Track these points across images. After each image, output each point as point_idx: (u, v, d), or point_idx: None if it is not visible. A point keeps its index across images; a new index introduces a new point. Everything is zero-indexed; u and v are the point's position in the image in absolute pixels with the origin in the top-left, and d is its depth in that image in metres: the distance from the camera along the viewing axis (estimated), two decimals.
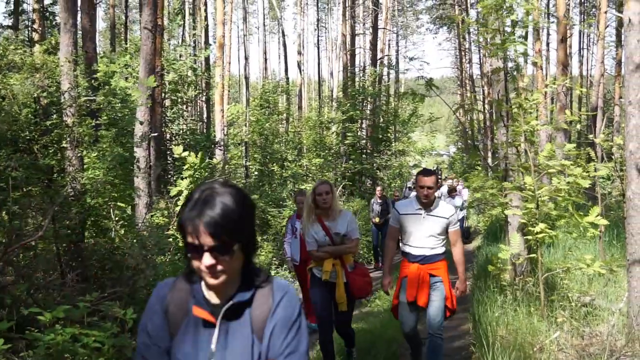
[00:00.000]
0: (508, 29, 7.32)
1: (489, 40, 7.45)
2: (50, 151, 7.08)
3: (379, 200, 14.14)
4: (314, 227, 5.63)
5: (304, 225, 5.76)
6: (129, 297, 6.16)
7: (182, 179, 9.59)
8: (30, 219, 6.49)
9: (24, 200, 6.32)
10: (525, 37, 7.45)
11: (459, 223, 5.56)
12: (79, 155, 7.34)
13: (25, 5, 16.00)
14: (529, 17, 7.78)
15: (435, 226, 5.37)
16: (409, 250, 5.49)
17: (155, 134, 9.92)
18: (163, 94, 15.34)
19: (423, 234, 5.38)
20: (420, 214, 5.40)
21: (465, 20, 8.32)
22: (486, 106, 30.83)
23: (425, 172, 5.44)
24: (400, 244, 5.68)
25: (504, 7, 7.09)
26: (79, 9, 10.11)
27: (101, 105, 7.90)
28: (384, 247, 5.93)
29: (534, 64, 15.92)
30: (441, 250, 5.46)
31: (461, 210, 17.71)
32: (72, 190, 6.99)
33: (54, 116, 7.54)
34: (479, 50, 35.01)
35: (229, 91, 26.48)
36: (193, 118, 22.89)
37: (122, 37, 30.02)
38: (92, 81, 8.47)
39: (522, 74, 7.63)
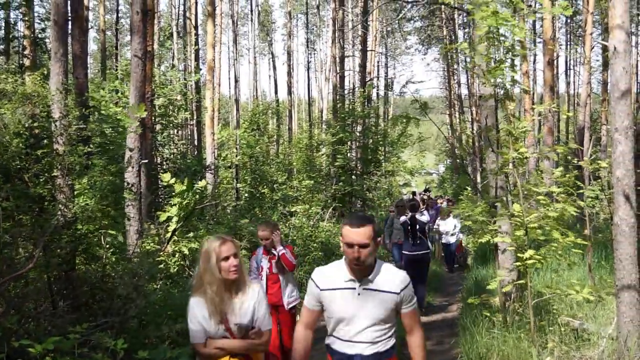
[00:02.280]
0: (497, 55, 7.42)
1: (482, 67, 7.48)
2: (41, 180, 7.08)
3: None
4: (203, 309, 3.69)
5: (193, 307, 3.73)
6: (120, 326, 6.16)
7: (171, 205, 9.62)
8: (21, 249, 6.48)
9: (14, 229, 6.33)
10: (513, 62, 7.53)
11: (414, 299, 3.57)
12: (69, 183, 7.35)
13: (16, 32, 16.05)
14: (516, 38, 7.90)
15: (378, 308, 3.42)
16: (337, 348, 3.55)
17: (146, 161, 9.94)
18: (153, 118, 15.39)
19: (359, 322, 3.44)
20: (353, 289, 3.42)
21: (458, 47, 8.41)
22: (475, 126, 31.09)
23: (355, 221, 3.38)
24: (326, 336, 3.68)
25: (496, 35, 7.17)
26: (69, 33, 10.17)
27: (92, 133, 7.92)
28: (293, 335, 3.82)
29: (525, 91, 16.05)
30: (390, 343, 3.55)
31: (460, 232, 16.55)
32: (63, 219, 6.99)
33: (45, 141, 7.57)
34: (467, 72, 35.39)
35: (219, 112, 26.60)
36: (183, 142, 22.94)
37: (113, 59, 30.14)
38: (84, 110, 8.50)
39: (511, 99, 7.71)
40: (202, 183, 10.53)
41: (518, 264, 6.61)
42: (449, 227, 16.22)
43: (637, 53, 18.37)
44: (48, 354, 4.42)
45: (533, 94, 26.78)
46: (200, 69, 25.17)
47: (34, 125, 7.37)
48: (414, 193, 29.46)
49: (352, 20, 33.65)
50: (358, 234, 3.32)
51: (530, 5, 20.18)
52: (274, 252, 6.59)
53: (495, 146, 7.70)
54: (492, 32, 6.96)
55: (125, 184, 8.60)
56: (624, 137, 5.76)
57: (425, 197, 27.02)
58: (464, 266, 16.67)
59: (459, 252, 17.13)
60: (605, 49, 19.13)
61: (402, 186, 29.93)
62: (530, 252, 6.33)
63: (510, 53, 7.36)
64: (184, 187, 9.19)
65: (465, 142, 28.02)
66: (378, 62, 43.76)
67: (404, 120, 8.96)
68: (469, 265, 16.17)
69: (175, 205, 9.23)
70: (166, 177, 9.33)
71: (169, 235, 9.62)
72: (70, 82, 9.25)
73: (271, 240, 6.54)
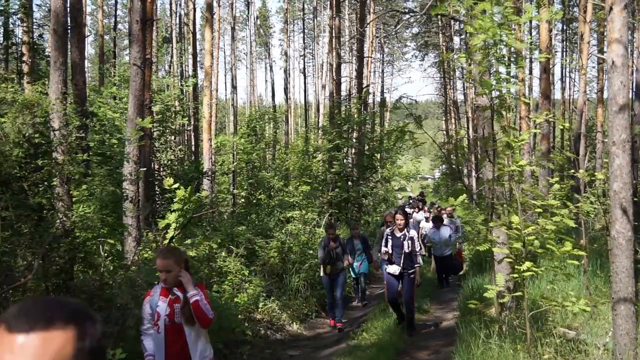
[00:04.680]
0: (494, 64, 7.44)
1: (478, 78, 7.48)
2: (40, 189, 7.10)
3: (332, 243, 10.91)
4: None
5: None
6: (119, 335, 6.17)
7: (171, 212, 9.62)
8: (20, 258, 6.50)
9: (14, 238, 6.35)
10: (509, 73, 7.56)
11: None
12: (68, 192, 7.37)
13: (14, 38, 16.08)
14: (512, 49, 7.95)
15: None
16: None
17: (144, 169, 9.95)
18: (151, 125, 15.41)
19: None
20: None
21: (455, 57, 8.47)
22: (470, 131, 31.17)
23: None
24: None
25: (492, 47, 7.20)
26: (68, 38, 10.18)
27: (91, 141, 7.93)
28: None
29: (525, 103, 16.07)
30: None
31: (459, 240, 15.15)
32: (62, 227, 7.01)
33: (44, 148, 7.59)
34: (463, 78, 35.52)
35: (216, 116, 26.62)
36: (181, 148, 22.95)
37: (112, 63, 30.17)
38: (83, 118, 8.52)
39: (508, 110, 7.73)
40: (204, 193, 10.53)
41: (515, 275, 6.64)
42: (444, 236, 14.42)
43: (634, 61, 18.50)
44: None
45: (529, 103, 26.87)
46: (197, 76, 25.20)
47: (34, 135, 7.39)
48: (410, 197, 29.38)
49: (349, 26, 33.72)
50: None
51: (522, 10, 20.25)
52: (178, 293, 4.42)
53: (492, 157, 7.73)
54: (488, 45, 7.00)
55: (125, 196, 8.61)
56: (622, 150, 5.79)
57: (421, 202, 26.96)
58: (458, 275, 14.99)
59: (459, 257, 15.49)
60: (601, 60, 19.21)
61: (398, 191, 29.97)
62: (527, 264, 6.36)
63: (505, 66, 7.39)
64: (186, 194, 9.21)
65: (460, 151, 28.17)
66: (375, 67, 43.87)
67: (400, 135, 8.98)
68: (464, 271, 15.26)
69: (175, 211, 9.23)
70: (169, 182, 9.34)
71: (166, 242, 9.61)
72: (70, 92, 9.26)
73: (172, 275, 4.37)
